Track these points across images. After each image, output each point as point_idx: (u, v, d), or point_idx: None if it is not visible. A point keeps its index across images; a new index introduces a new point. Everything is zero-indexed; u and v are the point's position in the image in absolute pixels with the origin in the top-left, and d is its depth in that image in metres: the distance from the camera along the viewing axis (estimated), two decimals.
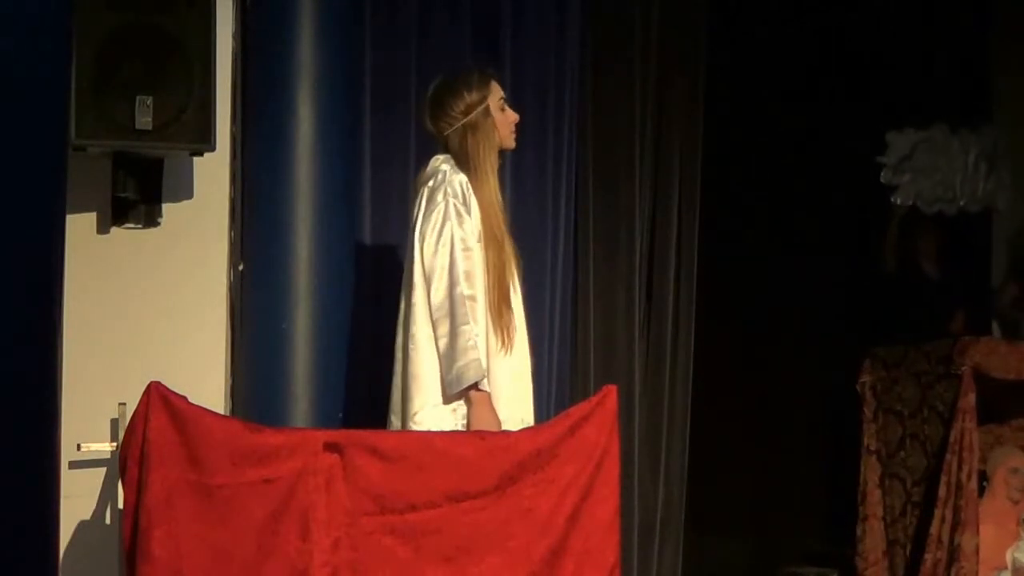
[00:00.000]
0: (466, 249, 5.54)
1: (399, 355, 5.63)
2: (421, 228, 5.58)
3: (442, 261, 5.52)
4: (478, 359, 5.46)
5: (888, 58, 9.21)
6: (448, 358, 5.49)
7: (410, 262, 5.61)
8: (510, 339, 5.59)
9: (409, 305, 5.58)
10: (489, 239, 5.59)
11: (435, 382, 5.53)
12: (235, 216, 6.40)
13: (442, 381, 5.51)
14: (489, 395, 5.50)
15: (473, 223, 5.57)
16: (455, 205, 5.56)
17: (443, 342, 5.50)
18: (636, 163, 7.67)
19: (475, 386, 5.46)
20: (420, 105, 6.20)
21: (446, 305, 5.50)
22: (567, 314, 7.29)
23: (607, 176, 7.61)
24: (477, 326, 5.50)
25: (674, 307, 7.80)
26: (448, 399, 5.51)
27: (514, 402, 5.62)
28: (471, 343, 5.46)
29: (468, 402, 5.50)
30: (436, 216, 5.56)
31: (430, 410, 5.52)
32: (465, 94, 5.67)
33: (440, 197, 5.57)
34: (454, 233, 5.54)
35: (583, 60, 7.41)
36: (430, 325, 5.53)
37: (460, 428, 5.48)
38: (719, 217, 8.38)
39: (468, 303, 5.49)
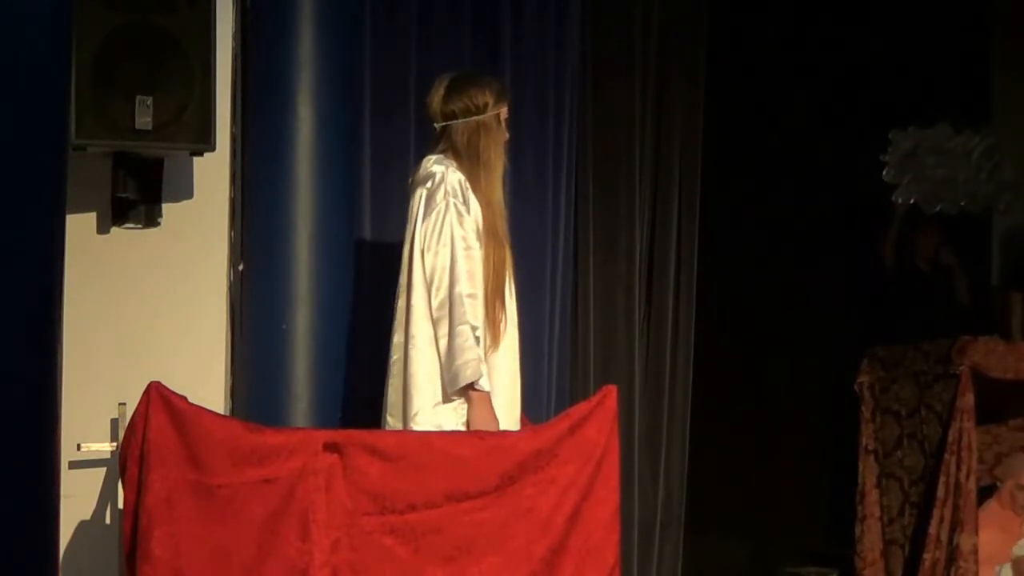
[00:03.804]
0: (467, 248, 5.53)
1: (397, 356, 5.61)
2: (422, 229, 5.57)
3: (443, 261, 5.52)
4: (476, 358, 5.46)
5: (891, 57, 9.21)
6: (447, 357, 5.49)
7: (408, 263, 5.60)
8: (497, 337, 5.59)
9: (408, 306, 5.57)
10: (490, 235, 5.58)
11: (435, 382, 5.52)
12: (235, 216, 6.40)
13: (442, 380, 5.51)
14: (488, 395, 5.50)
15: (472, 221, 5.57)
16: (455, 204, 5.55)
17: (443, 342, 5.50)
18: (636, 163, 7.67)
19: (472, 385, 5.47)
20: (420, 105, 6.20)
21: (446, 304, 5.50)
22: (567, 315, 7.29)
23: (607, 176, 7.61)
24: (479, 325, 5.51)
25: (674, 307, 7.79)
26: (447, 398, 5.51)
27: (507, 403, 5.62)
28: (469, 342, 5.46)
29: (468, 401, 5.50)
30: (436, 216, 5.55)
31: (430, 410, 5.51)
32: (488, 92, 5.68)
33: (440, 197, 5.57)
34: (454, 232, 5.53)
35: (583, 60, 7.40)
36: (430, 325, 5.53)
37: (462, 427, 5.48)
38: (719, 217, 8.38)
39: (469, 302, 5.49)
